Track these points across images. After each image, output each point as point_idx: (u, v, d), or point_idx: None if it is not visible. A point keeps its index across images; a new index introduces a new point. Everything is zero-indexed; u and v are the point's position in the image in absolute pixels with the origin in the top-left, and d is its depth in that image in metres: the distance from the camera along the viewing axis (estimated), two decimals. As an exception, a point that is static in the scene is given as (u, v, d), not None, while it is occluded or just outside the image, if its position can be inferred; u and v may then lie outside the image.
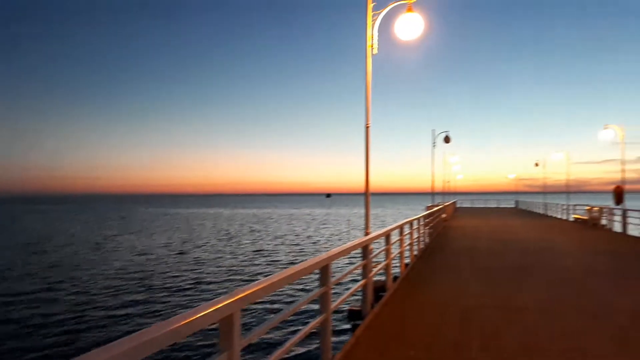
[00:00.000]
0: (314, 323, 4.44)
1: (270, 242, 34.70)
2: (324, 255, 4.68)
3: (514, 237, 18.39)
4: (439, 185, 47.38)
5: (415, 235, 13.58)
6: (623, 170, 21.80)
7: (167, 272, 21.78)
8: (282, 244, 33.84)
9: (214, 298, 2.73)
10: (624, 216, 20.30)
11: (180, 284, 18.92)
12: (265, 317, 13.76)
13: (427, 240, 16.87)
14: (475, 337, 5.69)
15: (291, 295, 16.08)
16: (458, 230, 22.17)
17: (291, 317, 12.89)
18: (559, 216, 34.14)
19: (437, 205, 25.81)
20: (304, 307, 13.52)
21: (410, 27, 7.17)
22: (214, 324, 2.63)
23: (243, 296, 2.83)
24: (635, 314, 6.73)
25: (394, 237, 10.39)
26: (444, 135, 27.47)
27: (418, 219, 13.90)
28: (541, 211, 41.11)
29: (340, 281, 16.04)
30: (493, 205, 66.34)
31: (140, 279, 20.06)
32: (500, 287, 8.80)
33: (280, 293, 16.12)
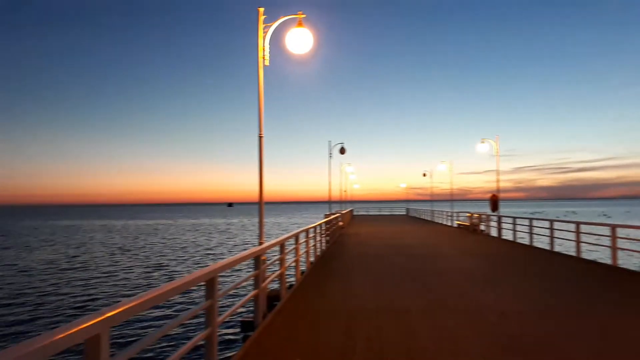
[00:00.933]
0: (198, 337, 4.32)
1: (166, 255, 33.18)
2: (209, 267, 4.59)
3: (403, 243, 19.48)
4: (336, 194, 48.75)
5: (312, 243, 13.83)
6: (498, 180, 24.17)
7: (41, 289, 19.88)
8: (179, 256, 32.53)
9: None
10: (499, 222, 22.45)
11: (53, 302, 17.36)
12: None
13: (323, 247, 17.26)
14: (360, 341, 5.92)
15: (180, 310, 15.51)
16: (353, 237, 22.97)
17: (177, 332, 12.42)
18: (444, 222, 36.80)
19: (334, 214, 26.54)
20: (196, 321, 13.08)
21: (301, 41, 7.37)
22: (80, 344, 2.47)
23: (111, 315, 2.67)
24: (503, 311, 7.45)
25: (291, 246, 10.49)
26: (339, 146, 28.43)
27: (314, 227, 14.18)
28: (429, 218, 44.02)
29: (234, 292, 15.81)
30: (387, 212, 69.77)
31: (4, 297, 18.08)
32: (387, 290, 9.25)
33: (169, 306, 15.46)
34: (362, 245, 18.80)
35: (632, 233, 12.96)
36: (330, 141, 28.26)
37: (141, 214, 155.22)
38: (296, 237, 10.48)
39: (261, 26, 7.34)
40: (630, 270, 12.11)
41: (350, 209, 50.73)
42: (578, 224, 14.56)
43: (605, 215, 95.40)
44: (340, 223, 27.16)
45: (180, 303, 16.14)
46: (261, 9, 7.26)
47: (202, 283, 4.54)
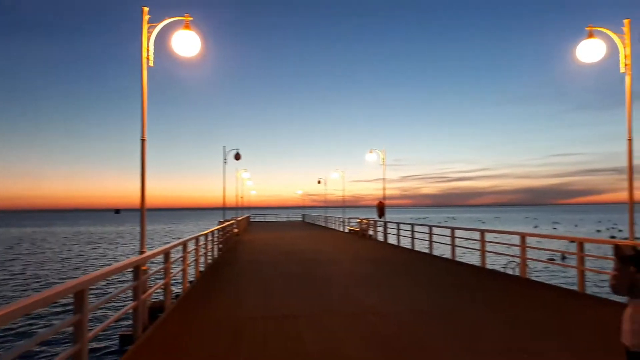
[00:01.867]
0: (63, 355, 4.00)
1: (42, 266, 30.14)
2: (77, 279, 4.28)
3: (297, 248, 19.75)
4: (232, 201, 47.97)
5: (202, 251, 13.48)
6: (384, 188, 25.56)
7: None
8: (55, 268, 29.74)
9: None
10: (385, 227, 23.70)
11: None
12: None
13: (215, 255, 16.89)
14: (245, 349, 5.89)
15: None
16: (248, 244, 22.78)
17: (45, 350, 11.38)
18: (337, 228, 37.96)
19: (229, 220, 26.12)
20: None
21: (188, 43, 7.20)
22: None
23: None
24: (383, 313, 7.86)
25: (178, 254, 10.12)
26: (234, 152, 28.11)
27: (205, 234, 13.84)
28: (323, 224, 45.13)
29: (111, 305, 14.81)
30: (284, 219, 70.24)
31: None
32: (277, 297, 9.31)
33: (33, 322, 14.08)
34: (256, 252, 18.72)
35: (498, 237, 14.47)
36: (224, 147, 27.85)
37: (13, 221, 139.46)
38: (184, 245, 10.15)
39: (145, 26, 7.03)
40: (496, 271, 13.46)
41: (247, 215, 50.27)
42: (453, 229, 15.87)
43: (480, 220, 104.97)
44: (235, 230, 26.81)
45: (53, 317, 14.76)
46: (145, 9, 6.96)
47: (70, 296, 4.22)
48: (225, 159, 27.50)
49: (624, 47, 7.86)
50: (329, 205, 52.58)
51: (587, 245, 9.83)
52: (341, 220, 36.02)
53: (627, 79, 7.92)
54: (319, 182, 49.28)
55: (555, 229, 69.05)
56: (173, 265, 9.11)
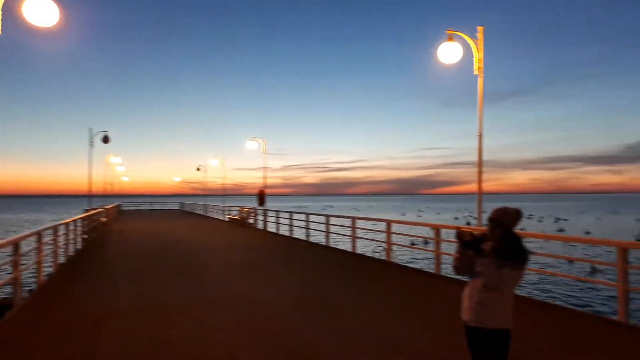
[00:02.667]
0: None
1: None
2: None
3: (173, 238, 18.99)
4: (101, 188, 44.48)
5: (63, 241, 12.34)
6: (266, 177, 25.64)
7: None
8: None
9: None
10: (265, 216, 23.82)
11: None
12: None
13: (79, 246, 15.56)
14: (103, 345, 5.53)
15: None
16: (118, 234, 21.33)
17: None
18: (217, 217, 37.22)
19: (96, 209, 24.17)
20: None
21: (43, 12, 6.41)
22: None
23: None
24: (258, 300, 7.91)
25: (31, 245, 9.17)
26: (102, 134, 25.96)
27: (66, 223, 12.69)
28: (202, 213, 43.94)
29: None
30: (159, 207, 66.89)
31: None
32: (146, 288, 8.87)
33: None
34: (127, 242, 17.61)
35: (368, 225, 15.38)
36: (91, 129, 25.66)
37: None
38: (39, 235, 9.19)
39: (-12, -13, 6.14)
40: (366, 255, 14.29)
41: (117, 203, 46.99)
42: (327, 217, 16.50)
43: (355, 209, 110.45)
44: (104, 219, 24.91)
45: None
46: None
47: None
48: (91, 142, 25.34)
49: (478, 52, 8.78)
50: (209, 194, 51.34)
51: (443, 231, 10.85)
52: (221, 208, 35.39)
53: (480, 81, 8.87)
54: (198, 169, 47.80)
55: (419, 216, 75.20)
56: (26, 258, 8.21)
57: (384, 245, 12.98)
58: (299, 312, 7.08)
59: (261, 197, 24.43)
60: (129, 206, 65.64)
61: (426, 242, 23.60)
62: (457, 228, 3.66)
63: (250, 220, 26.76)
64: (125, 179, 61.42)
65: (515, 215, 3.48)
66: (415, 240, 23.59)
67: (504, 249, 3.34)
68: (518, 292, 8.21)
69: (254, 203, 26.66)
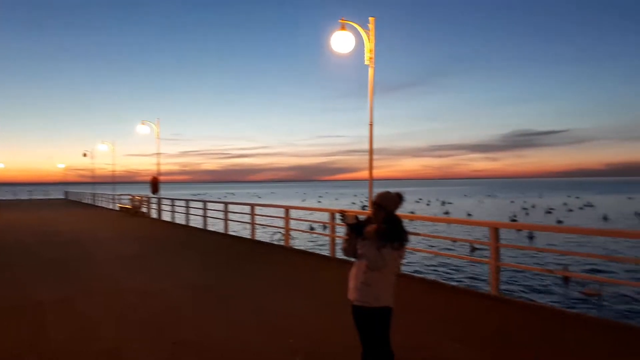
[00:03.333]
0: None
1: None
2: None
3: (55, 229, 17.45)
4: (-32, 175, 39.48)
5: None
6: (159, 163, 24.48)
7: None
8: None
9: None
10: (159, 204, 22.78)
11: None
12: None
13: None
14: (-33, 350, 4.95)
15: None
16: (-13, 226, 19.10)
17: None
18: (106, 206, 34.87)
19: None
20: None
21: None
22: None
23: None
24: (147, 291, 7.56)
25: None
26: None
27: None
28: (90, 202, 40.91)
29: None
30: (41, 197, 61.04)
31: None
32: (20, 285, 8.07)
33: None
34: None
35: (267, 211, 15.34)
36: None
37: None
38: None
39: None
40: (264, 242, 14.30)
41: (-12, 192, 42.01)
42: (226, 204, 16.22)
43: (257, 196, 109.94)
44: (-30, 210, 22.11)
45: None
46: None
47: None
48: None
49: (369, 42, 9.05)
50: (98, 181, 47.81)
51: (339, 216, 11.16)
52: (111, 197, 33.21)
53: (370, 71, 9.16)
54: (84, 154, 44.17)
55: (320, 202, 76.97)
56: None
57: (282, 231, 13.06)
58: (192, 302, 6.89)
59: (154, 184, 23.28)
60: (5, 195, 59.08)
61: (325, 227, 24.16)
62: (342, 212, 3.76)
63: (144, 209, 25.44)
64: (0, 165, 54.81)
65: (396, 199, 3.65)
66: (314, 225, 24.06)
67: (385, 230, 3.49)
68: (404, 270, 8.77)
69: (147, 191, 25.35)
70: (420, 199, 77.11)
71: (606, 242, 21.52)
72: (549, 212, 45.10)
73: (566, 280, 13.68)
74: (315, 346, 4.92)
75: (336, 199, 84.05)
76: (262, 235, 18.10)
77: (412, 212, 42.57)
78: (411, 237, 3.95)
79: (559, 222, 34.85)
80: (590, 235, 22.96)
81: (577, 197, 78.77)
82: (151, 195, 24.14)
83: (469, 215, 42.62)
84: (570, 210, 48.02)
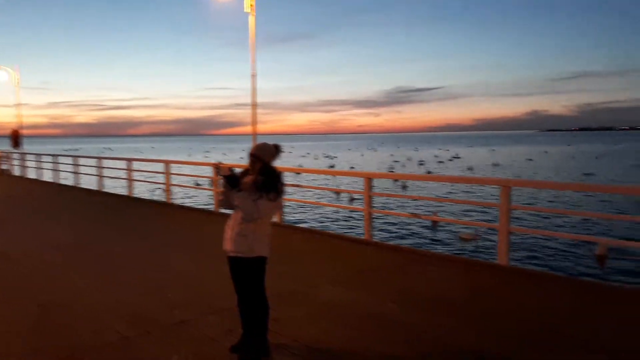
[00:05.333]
0: None
1: None
2: None
3: None
4: None
5: None
6: (20, 115, 21.81)
7: None
8: None
9: None
10: (22, 160, 20.51)
11: None
12: None
13: None
14: None
15: None
16: None
17: None
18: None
19: None
20: None
21: None
22: None
23: None
24: (11, 257, 6.92)
25: None
26: None
27: None
28: None
29: None
30: None
31: None
32: None
33: None
34: None
35: (146, 167, 14.58)
36: None
37: None
38: None
39: None
40: (143, 198, 13.70)
41: None
42: (100, 159, 15.14)
43: (138, 150, 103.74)
44: None
45: None
46: None
47: None
48: None
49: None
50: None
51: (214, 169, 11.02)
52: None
53: (251, 19, 8.95)
54: None
55: (207, 157, 75.03)
56: None
57: (163, 186, 12.60)
58: (62, 263, 6.47)
59: (15, 138, 20.82)
60: None
61: (213, 183, 23.74)
62: (217, 165, 3.76)
63: (4, 167, 22.72)
64: None
65: (272, 150, 3.71)
66: (199, 182, 23.52)
67: (261, 182, 3.56)
68: (285, 220, 9.06)
69: (7, 146, 22.62)
70: (308, 153, 78.75)
71: (472, 188, 23.98)
72: (422, 164, 48.89)
73: (434, 224, 15.10)
74: (193, 298, 4.96)
75: (224, 154, 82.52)
76: (142, 192, 17.30)
77: (300, 166, 43.50)
78: (294, 189, 4.09)
79: (429, 172, 38.03)
80: (456, 183, 25.55)
81: (447, 150, 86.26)
82: (12, 150, 21.59)
83: (352, 167, 44.64)
84: (441, 162, 52.56)
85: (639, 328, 4.20)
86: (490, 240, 12.21)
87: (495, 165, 46.64)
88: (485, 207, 18.20)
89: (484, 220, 15.21)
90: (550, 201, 21.13)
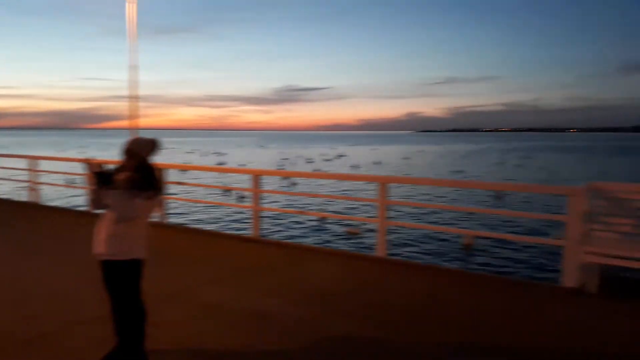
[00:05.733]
0: None
1: None
2: None
3: None
4: None
5: None
6: None
7: None
8: None
9: None
10: None
11: None
12: None
13: None
14: None
15: None
16: None
17: None
18: None
19: None
20: None
21: None
22: None
23: None
24: None
25: None
26: None
27: None
28: None
29: None
30: None
31: None
32: None
33: None
34: None
35: (7, 163, 12.94)
36: None
37: None
38: None
39: None
40: (2, 199, 12.24)
41: None
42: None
43: (2, 146, 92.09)
44: None
45: None
46: None
47: None
48: None
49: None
50: None
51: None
52: None
53: (130, 7, 8.40)
54: None
55: (83, 153, 69.06)
56: None
57: (27, 185, 11.33)
58: None
59: None
60: None
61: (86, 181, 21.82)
62: (86, 160, 3.48)
63: None
64: None
65: (149, 145, 3.50)
66: (72, 179, 21.54)
67: (136, 179, 3.35)
68: (167, 220, 8.68)
69: None
70: (196, 150, 76.18)
71: (355, 185, 25.04)
72: (310, 162, 49.99)
73: (321, 220, 15.50)
74: (58, 308, 4.54)
75: (104, 150, 76.65)
76: (3, 192, 15.43)
77: (187, 163, 41.93)
78: (179, 187, 3.91)
79: (317, 170, 39.03)
80: (342, 180, 26.54)
81: (334, 148, 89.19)
82: None
83: (242, 165, 44.17)
84: (328, 160, 54.18)
85: (490, 308, 4.71)
86: (373, 235, 12.86)
87: (377, 163, 49.28)
88: (369, 203, 19.09)
89: (369, 216, 15.98)
90: (424, 194, 22.87)
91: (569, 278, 5.09)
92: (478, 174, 37.37)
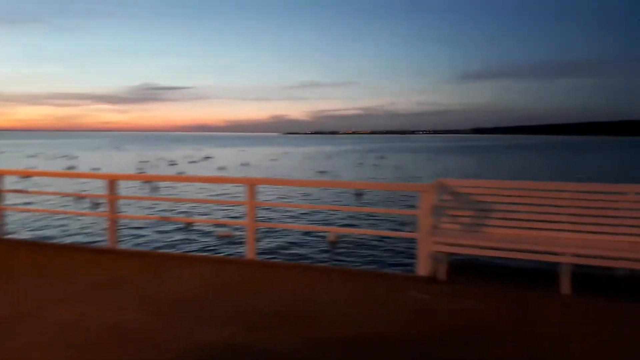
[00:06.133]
0: None
1: None
2: None
3: None
4: None
5: None
6: None
7: None
8: None
9: None
10: None
11: None
12: None
13: None
14: None
15: None
16: None
17: None
18: None
19: None
20: None
21: None
22: None
23: None
24: None
25: None
26: None
27: None
28: None
29: None
30: None
31: None
32: None
33: None
34: None
35: None
36: None
37: None
38: None
39: None
40: None
41: None
42: None
43: None
44: None
45: None
46: None
47: None
48: None
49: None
50: None
51: None
52: None
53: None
54: None
55: None
56: None
57: None
58: None
59: None
60: None
61: None
62: None
63: None
64: None
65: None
66: None
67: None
68: (10, 233, 7.61)
69: None
70: (40, 153, 68.01)
71: (226, 187, 24.49)
72: (173, 164, 47.91)
73: (188, 226, 14.90)
74: None
75: None
76: None
77: (30, 168, 37.36)
78: (19, 196, 3.39)
79: (181, 173, 37.54)
80: (210, 183, 25.75)
81: (199, 150, 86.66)
82: None
83: (96, 169, 40.57)
84: (193, 162, 52.45)
85: (351, 299, 4.94)
86: (243, 237, 12.73)
87: (245, 164, 49.08)
88: (238, 205, 18.90)
89: (237, 218, 15.78)
90: (293, 196, 23.34)
91: (423, 267, 5.56)
92: (341, 174, 39.29)
